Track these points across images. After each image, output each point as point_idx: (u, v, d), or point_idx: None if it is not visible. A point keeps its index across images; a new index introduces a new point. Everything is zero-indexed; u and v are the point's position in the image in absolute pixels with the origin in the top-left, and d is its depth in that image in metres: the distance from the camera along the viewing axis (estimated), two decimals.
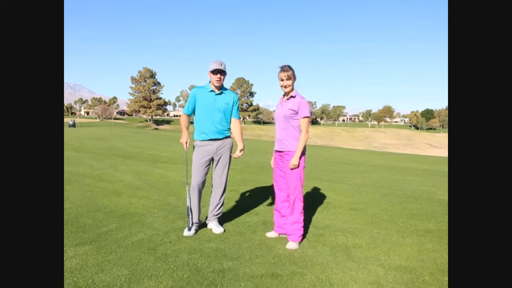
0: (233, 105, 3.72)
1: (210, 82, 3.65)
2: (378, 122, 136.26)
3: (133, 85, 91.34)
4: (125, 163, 9.19)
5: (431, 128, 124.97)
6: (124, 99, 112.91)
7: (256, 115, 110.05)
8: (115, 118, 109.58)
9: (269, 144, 24.40)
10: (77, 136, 22.66)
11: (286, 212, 3.52)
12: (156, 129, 73.78)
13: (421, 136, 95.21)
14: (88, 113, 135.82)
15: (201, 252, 3.08)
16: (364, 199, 5.59)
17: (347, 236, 3.65)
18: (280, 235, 3.61)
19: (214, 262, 2.88)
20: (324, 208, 4.87)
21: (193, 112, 3.71)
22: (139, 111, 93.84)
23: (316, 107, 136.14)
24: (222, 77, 3.57)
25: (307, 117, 3.36)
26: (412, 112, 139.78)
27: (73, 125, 55.56)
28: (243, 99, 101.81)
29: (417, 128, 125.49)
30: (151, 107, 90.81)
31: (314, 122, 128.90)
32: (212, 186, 3.78)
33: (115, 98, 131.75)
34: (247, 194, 5.75)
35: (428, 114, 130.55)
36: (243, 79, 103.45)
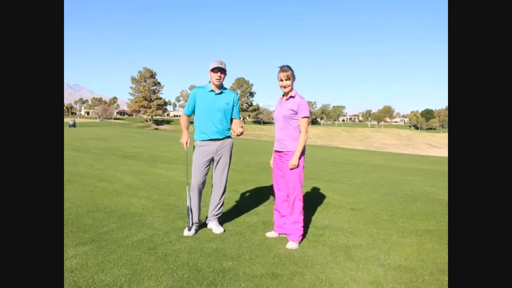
0: (233, 105, 3.72)
1: (210, 82, 3.65)
2: (378, 122, 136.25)
3: (133, 85, 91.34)
4: (125, 163, 9.19)
5: (431, 128, 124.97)
6: (124, 99, 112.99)
7: (256, 115, 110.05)
8: (115, 118, 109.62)
9: (269, 144, 24.39)
10: (77, 136, 22.66)
11: (286, 212, 3.52)
12: (156, 129, 73.77)
13: (421, 136, 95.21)
14: (88, 113, 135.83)
15: (201, 252, 3.08)
16: (364, 199, 5.59)
17: (347, 236, 3.65)
18: (280, 235, 3.61)
19: (214, 262, 2.88)
20: (324, 208, 4.87)
21: (193, 112, 3.72)
22: (139, 111, 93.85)
23: (316, 107, 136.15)
24: (222, 75, 3.57)
25: (307, 117, 3.36)
26: (412, 112, 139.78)
27: (73, 125, 55.61)
28: (243, 99, 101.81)
29: (417, 128, 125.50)
30: (151, 107, 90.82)
31: (314, 122, 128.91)
32: (212, 186, 3.78)
33: (115, 98, 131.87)
34: (247, 194, 5.75)
35: (428, 114, 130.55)
36: (243, 79, 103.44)
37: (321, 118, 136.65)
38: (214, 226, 3.71)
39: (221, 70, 3.54)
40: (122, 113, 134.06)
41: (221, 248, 3.19)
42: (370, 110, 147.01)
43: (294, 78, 3.39)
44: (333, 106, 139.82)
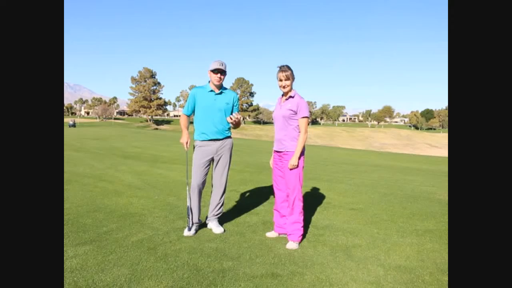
0: (233, 105, 3.72)
1: (209, 81, 3.65)
2: (378, 122, 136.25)
3: (133, 85, 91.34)
4: (125, 163, 9.19)
5: (431, 128, 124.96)
6: (124, 99, 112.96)
7: (256, 115, 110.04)
8: (115, 118, 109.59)
9: (269, 144, 24.39)
10: (77, 136, 22.66)
11: (285, 212, 3.52)
12: (156, 129, 73.77)
13: (421, 136, 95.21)
14: (88, 113, 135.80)
15: (201, 252, 3.08)
16: (364, 199, 5.59)
17: (347, 236, 3.65)
18: (280, 235, 3.61)
19: (214, 262, 2.88)
20: (324, 208, 4.87)
21: (193, 112, 3.72)
22: (139, 111, 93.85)
23: (316, 107, 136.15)
24: (222, 76, 3.58)
25: (306, 117, 3.36)
26: (412, 112, 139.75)
27: (73, 125, 55.64)
28: (243, 99, 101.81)
29: (417, 128, 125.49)
30: (151, 107, 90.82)
31: (314, 122, 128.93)
32: (212, 186, 3.78)
33: (115, 98, 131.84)
34: (247, 194, 5.75)
35: (428, 114, 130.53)
36: (243, 79, 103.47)
37: (321, 118, 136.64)
38: (214, 226, 3.71)
39: (221, 72, 3.55)
40: (122, 113, 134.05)
41: (221, 248, 3.19)
42: (370, 110, 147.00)
43: (293, 78, 3.39)
44: (333, 106, 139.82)
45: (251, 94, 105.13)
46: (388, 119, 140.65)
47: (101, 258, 2.87)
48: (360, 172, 10.05)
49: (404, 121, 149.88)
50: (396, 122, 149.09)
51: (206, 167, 3.65)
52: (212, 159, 3.68)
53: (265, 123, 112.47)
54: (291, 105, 3.36)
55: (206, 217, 3.86)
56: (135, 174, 7.42)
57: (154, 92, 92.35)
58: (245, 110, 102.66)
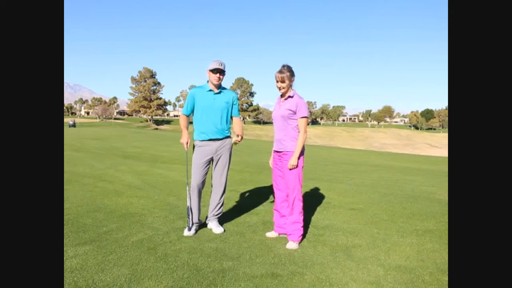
0: (232, 104, 3.73)
1: (208, 81, 3.65)
2: (378, 122, 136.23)
3: (133, 85, 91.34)
4: (125, 163, 9.19)
5: (431, 128, 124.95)
6: (124, 99, 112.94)
7: (256, 115, 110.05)
8: (115, 118, 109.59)
9: (269, 144, 24.39)
10: (77, 136, 22.66)
11: (285, 212, 3.52)
12: (156, 129, 73.77)
13: (421, 136, 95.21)
14: (88, 113, 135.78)
15: (201, 252, 3.08)
16: (364, 199, 5.59)
17: (347, 236, 3.65)
18: (280, 235, 3.61)
19: (214, 262, 2.88)
20: (324, 208, 4.87)
21: (192, 112, 3.72)
22: (139, 111, 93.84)
23: (316, 107, 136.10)
24: (221, 76, 3.58)
25: (305, 117, 3.36)
26: (412, 112, 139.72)
27: (73, 125, 55.67)
28: (243, 99, 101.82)
29: (417, 128, 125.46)
30: (151, 107, 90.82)
31: (314, 122, 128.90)
32: (212, 186, 3.78)
33: (115, 98, 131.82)
34: (247, 194, 5.75)
35: (428, 114, 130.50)
36: (243, 79, 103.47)
37: (321, 118, 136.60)
38: (214, 226, 3.71)
39: (220, 71, 3.55)
40: (122, 113, 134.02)
41: (221, 248, 3.19)
42: (370, 110, 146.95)
43: (292, 80, 3.38)
44: (333, 106, 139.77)
45: (251, 94, 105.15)
46: (388, 119, 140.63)
47: (101, 258, 2.87)
48: (360, 172, 10.05)
49: (404, 121, 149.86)
50: (396, 122, 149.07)
51: (206, 167, 3.65)
52: (212, 159, 3.68)
53: (265, 123, 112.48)
54: (290, 105, 3.36)
55: (206, 217, 3.86)
56: (135, 174, 7.42)
57: (154, 92, 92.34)
58: (245, 110, 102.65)
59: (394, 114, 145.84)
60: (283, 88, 3.36)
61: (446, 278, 2.71)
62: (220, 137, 3.65)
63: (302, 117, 3.35)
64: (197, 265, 2.81)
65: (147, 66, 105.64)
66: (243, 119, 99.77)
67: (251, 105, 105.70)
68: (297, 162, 3.34)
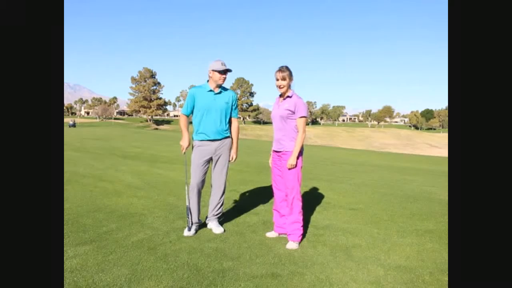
0: (232, 104, 3.72)
1: (208, 81, 3.64)
2: (378, 122, 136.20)
3: (133, 85, 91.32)
4: (125, 163, 9.19)
5: (431, 128, 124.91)
6: (124, 99, 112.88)
7: (256, 115, 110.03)
8: (115, 118, 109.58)
9: (269, 144, 24.39)
10: (77, 136, 22.66)
11: (285, 212, 3.52)
12: (156, 129, 73.79)
13: (421, 136, 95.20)
14: (88, 113, 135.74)
15: (201, 252, 3.08)
16: (364, 199, 5.59)
17: (347, 236, 3.65)
18: (280, 235, 3.61)
19: (214, 262, 2.88)
20: (324, 208, 4.87)
21: (192, 112, 3.71)
22: (139, 111, 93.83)
23: (316, 107, 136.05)
24: (226, 76, 3.59)
25: (304, 117, 3.37)
26: (412, 112, 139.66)
27: (73, 125, 55.71)
28: (243, 99, 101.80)
29: (417, 128, 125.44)
30: (151, 107, 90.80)
31: (314, 122, 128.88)
32: (211, 186, 3.78)
33: (115, 98, 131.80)
34: (247, 194, 5.75)
35: (428, 114, 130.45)
36: (243, 79, 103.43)
37: (321, 118, 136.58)
38: (214, 226, 3.71)
39: (227, 72, 3.56)
40: (122, 113, 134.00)
41: (221, 248, 3.19)
42: (370, 110, 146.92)
43: (291, 79, 3.39)
44: (333, 106, 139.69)
45: (251, 94, 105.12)
46: (388, 119, 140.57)
47: (101, 258, 2.87)
48: (360, 172, 10.05)
49: (404, 121, 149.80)
50: (396, 122, 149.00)
51: (205, 166, 3.65)
52: (211, 159, 3.68)
53: (265, 123, 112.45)
54: (289, 105, 3.36)
55: (206, 217, 3.86)
56: (135, 174, 7.42)
57: (154, 92, 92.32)
58: (245, 110, 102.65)
59: (394, 114, 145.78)
60: (283, 86, 3.36)
61: (446, 278, 2.71)
62: (220, 137, 3.64)
63: (301, 117, 3.35)
64: (197, 265, 2.81)
65: (147, 66, 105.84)
66: (243, 119, 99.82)
67: (251, 105, 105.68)
68: (296, 162, 3.34)
